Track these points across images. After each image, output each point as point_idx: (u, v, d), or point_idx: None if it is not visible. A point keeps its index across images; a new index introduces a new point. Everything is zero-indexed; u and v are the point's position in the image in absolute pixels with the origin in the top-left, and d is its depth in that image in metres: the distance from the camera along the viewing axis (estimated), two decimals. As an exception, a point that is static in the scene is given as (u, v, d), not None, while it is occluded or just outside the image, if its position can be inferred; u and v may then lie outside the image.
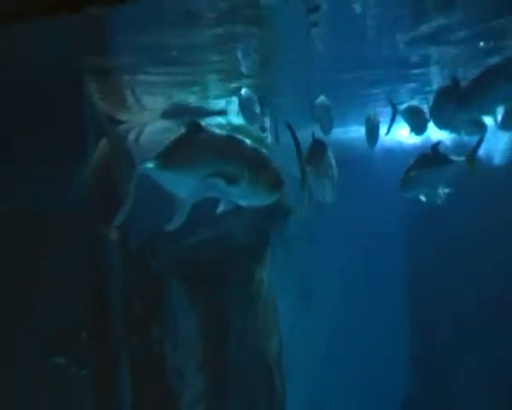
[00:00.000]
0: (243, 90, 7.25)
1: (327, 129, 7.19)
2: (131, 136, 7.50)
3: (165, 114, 8.03)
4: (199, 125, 4.07)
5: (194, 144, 4.04)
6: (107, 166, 7.41)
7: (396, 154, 14.17)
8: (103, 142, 7.71)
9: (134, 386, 6.92)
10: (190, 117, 8.13)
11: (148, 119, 7.80)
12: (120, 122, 7.82)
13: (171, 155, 4.09)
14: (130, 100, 7.77)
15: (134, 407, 6.82)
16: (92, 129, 7.17)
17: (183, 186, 4.25)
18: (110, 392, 6.94)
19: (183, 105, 8.20)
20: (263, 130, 10.90)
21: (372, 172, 13.29)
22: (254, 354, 6.49)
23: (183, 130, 4.15)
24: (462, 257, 12.49)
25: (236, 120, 8.75)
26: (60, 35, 4.80)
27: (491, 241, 12.26)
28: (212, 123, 8.33)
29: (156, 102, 7.90)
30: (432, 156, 5.43)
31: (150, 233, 7.08)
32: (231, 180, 3.97)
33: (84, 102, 6.96)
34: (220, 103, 8.54)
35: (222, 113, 8.61)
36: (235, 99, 8.75)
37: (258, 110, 7.33)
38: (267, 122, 11.23)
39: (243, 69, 7.39)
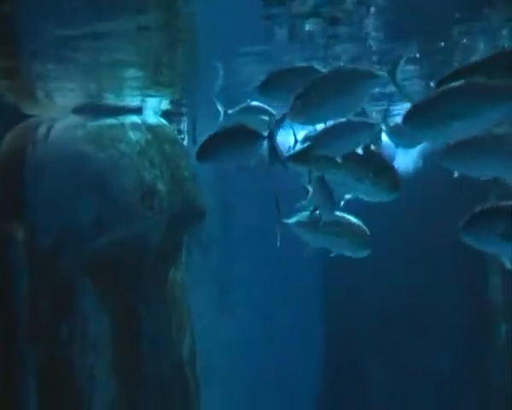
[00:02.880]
0: None
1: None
2: (41, 130, 7.11)
3: (78, 110, 7.69)
4: None
5: None
6: (13, 163, 7.03)
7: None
8: (9, 137, 7.30)
9: (41, 390, 6.55)
10: (103, 114, 7.83)
11: (60, 114, 7.42)
12: (29, 116, 7.41)
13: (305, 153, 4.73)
14: (41, 94, 7.37)
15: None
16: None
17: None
18: (15, 397, 6.54)
19: (97, 102, 7.88)
20: (179, 131, 10.67)
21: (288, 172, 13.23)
22: (167, 355, 6.24)
23: None
24: (378, 257, 12.57)
25: (152, 119, 8.50)
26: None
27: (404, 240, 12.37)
28: (128, 121, 8.07)
29: (68, 98, 7.53)
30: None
31: (59, 232, 6.72)
32: (359, 178, 4.72)
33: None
34: (135, 101, 8.25)
35: (137, 111, 8.33)
36: (151, 97, 8.52)
37: None
38: (184, 124, 11.01)
39: (160, 66, 7.12)
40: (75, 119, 7.43)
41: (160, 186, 7.04)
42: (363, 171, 4.71)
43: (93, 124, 7.40)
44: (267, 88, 4.79)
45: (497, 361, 10.64)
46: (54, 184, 6.95)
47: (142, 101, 8.28)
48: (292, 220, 5.70)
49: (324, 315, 13.74)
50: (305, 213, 5.57)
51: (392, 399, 12.83)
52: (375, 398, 13.18)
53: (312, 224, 5.53)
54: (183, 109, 9.89)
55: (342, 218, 5.34)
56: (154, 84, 7.69)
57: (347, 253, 5.56)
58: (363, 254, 5.45)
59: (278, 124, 4.77)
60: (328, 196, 5.22)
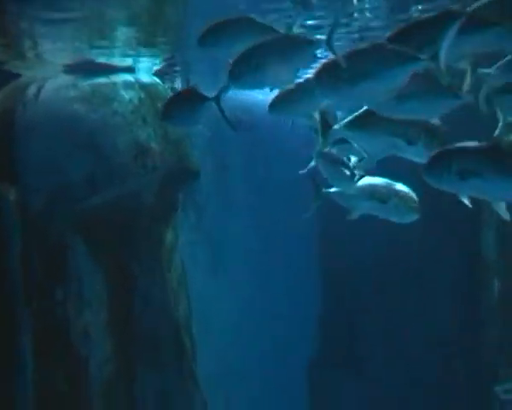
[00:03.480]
0: None
1: None
2: (31, 90, 6.95)
3: (69, 70, 7.52)
4: None
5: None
6: (3, 123, 6.88)
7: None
8: (-1, 95, 7.15)
9: (37, 350, 6.50)
10: (95, 73, 7.67)
11: (50, 73, 7.24)
12: (18, 75, 7.24)
13: (361, 119, 4.91)
14: (31, 53, 7.18)
15: (38, 373, 6.40)
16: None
17: (370, 144, 5.10)
18: (11, 357, 6.49)
19: (88, 60, 7.71)
20: (173, 90, 10.49)
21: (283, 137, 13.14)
22: (162, 316, 6.19)
23: None
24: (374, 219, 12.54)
25: (146, 77, 8.33)
26: None
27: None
28: (120, 80, 7.91)
29: (59, 57, 7.34)
30: None
31: (51, 193, 6.61)
32: (410, 141, 4.83)
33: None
34: (127, 60, 8.06)
35: (130, 70, 8.16)
36: (144, 56, 8.34)
37: None
38: (177, 82, 10.82)
39: (151, 23, 6.92)
40: (66, 78, 7.27)
41: (154, 145, 6.92)
42: (414, 132, 4.79)
43: (84, 83, 7.26)
44: (207, 41, 4.69)
45: (490, 316, 10.68)
46: (45, 145, 6.83)
47: (135, 60, 8.11)
48: (333, 190, 5.81)
49: (320, 272, 13.72)
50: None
51: (387, 355, 12.88)
52: (371, 354, 13.23)
53: (355, 191, 5.66)
54: (177, 68, 9.71)
55: (387, 183, 5.48)
56: (146, 42, 7.51)
57: (394, 218, 5.74)
58: (411, 218, 5.62)
59: (224, 88, 4.71)
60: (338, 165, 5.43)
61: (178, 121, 5.19)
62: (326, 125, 5.06)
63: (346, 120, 5.06)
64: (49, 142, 6.83)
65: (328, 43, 4.15)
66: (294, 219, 13.65)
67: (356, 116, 5.02)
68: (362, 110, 4.98)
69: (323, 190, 5.86)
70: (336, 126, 5.04)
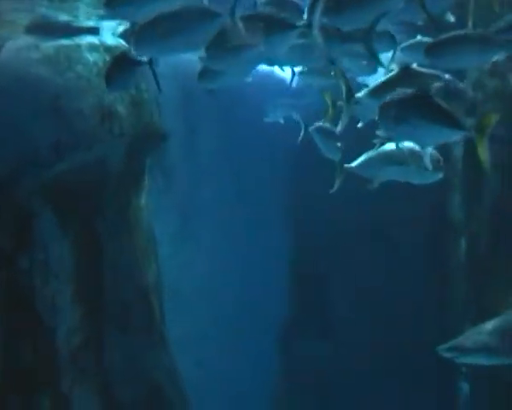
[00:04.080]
0: None
1: None
2: (-11, 51, 6.64)
3: (30, 30, 7.21)
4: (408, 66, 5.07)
5: (404, 78, 4.96)
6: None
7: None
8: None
9: (3, 320, 6.30)
10: (57, 34, 7.37)
11: (10, 33, 6.92)
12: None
13: (381, 89, 5.03)
14: (-11, 12, 6.85)
15: (3, 344, 6.21)
16: None
17: None
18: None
19: (51, 21, 7.39)
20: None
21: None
22: (131, 281, 6.04)
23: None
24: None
25: (111, 40, 8.04)
26: None
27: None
28: (84, 42, 7.61)
29: (19, 17, 7.02)
30: None
31: (15, 159, 6.36)
32: None
33: None
34: (91, 21, 7.75)
35: (93, 31, 7.87)
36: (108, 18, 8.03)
37: None
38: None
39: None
40: (27, 39, 6.96)
41: (120, 109, 6.69)
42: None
43: (47, 45, 6.96)
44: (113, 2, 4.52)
45: (458, 274, 10.77)
46: (8, 110, 6.55)
47: (99, 21, 7.81)
48: (354, 164, 5.89)
49: (291, 235, 13.67)
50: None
51: (358, 317, 12.94)
52: (342, 316, 13.28)
53: (376, 160, 5.68)
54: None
55: (407, 146, 5.35)
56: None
57: (418, 181, 5.79)
58: (435, 178, 5.60)
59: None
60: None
61: (118, 87, 5.24)
62: (350, 93, 5.01)
63: (368, 88, 5.10)
64: (11, 106, 6.56)
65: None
66: (264, 182, 13.56)
67: (378, 83, 5.09)
68: (385, 77, 5.07)
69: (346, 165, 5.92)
70: (360, 94, 5.06)
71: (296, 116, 11.19)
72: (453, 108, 4.63)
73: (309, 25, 4.24)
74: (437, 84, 4.91)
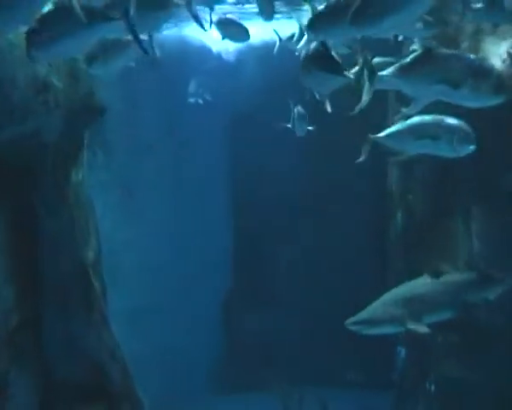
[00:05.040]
0: None
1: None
2: None
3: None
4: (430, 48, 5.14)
5: (428, 59, 5.08)
6: None
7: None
8: None
9: None
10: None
11: None
12: None
13: (410, 67, 5.13)
14: None
15: None
16: None
17: (417, 91, 5.23)
18: None
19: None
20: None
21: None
22: (70, 258, 5.73)
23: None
24: (284, 147, 12.37)
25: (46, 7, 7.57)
26: None
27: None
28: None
29: None
30: None
31: None
32: (456, 86, 4.90)
33: None
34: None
35: None
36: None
37: None
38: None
39: None
40: None
41: (56, 81, 6.30)
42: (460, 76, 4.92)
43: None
44: None
45: (395, 246, 10.84)
46: None
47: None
48: (382, 134, 5.81)
49: (232, 206, 13.50)
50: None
51: (300, 285, 12.92)
52: (283, 285, 13.23)
53: (406, 132, 5.57)
54: None
55: (437, 119, 5.41)
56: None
57: (449, 154, 5.62)
58: (467, 151, 5.46)
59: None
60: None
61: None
62: (372, 72, 4.94)
63: (392, 68, 5.10)
64: None
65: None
66: (205, 155, 13.30)
67: (402, 63, 5.16)
68: (409, 57, 5.10)
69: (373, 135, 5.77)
70: (383, 73, 5.07)
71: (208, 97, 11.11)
72: (481, 87, 4.87)
73: None
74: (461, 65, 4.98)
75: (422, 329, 6.56)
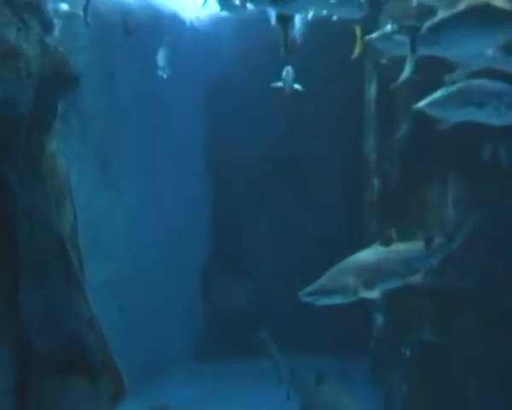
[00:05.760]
0: None
1: None
2: None
3: None
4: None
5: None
6: None
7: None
8: None
9: None
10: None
11: None
12: None
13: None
14: None
15: None
16: None
17: None
18: None
19: None
20: None
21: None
22: (45, 230, 5.56)
23: None
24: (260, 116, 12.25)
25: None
26: None
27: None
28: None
29: None
30: None
31: None
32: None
33: None
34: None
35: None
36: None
37: None
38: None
39: None
40: None
41: (26, 48, 6.05)
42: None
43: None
44: None
45: (371, 211, 10.88)
46: None
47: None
48: (425, 102, 5.62)
49: (209, 175, 13.39)
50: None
51: (276, 253, 12.92)
52: (261, 254, 13.21)
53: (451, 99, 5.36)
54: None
55: (483, 84, 5.14)
56: None
57: (496, 121, 5.44)
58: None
59: None
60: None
61: None
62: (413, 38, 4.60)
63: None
64: None
65: None
66: (183, 125, 13.10)
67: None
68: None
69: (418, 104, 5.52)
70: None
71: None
72: None
73: None
74: None
75: (373, 295, 6.62)
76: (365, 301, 10.29)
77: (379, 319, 10.44)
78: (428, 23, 4.72)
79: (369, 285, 6.66)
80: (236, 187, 12.83)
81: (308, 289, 6.84)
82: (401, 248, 7.24)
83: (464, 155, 8.75)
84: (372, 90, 10.65)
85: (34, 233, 5.71)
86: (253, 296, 12.74)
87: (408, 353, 9.36)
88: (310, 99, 11.22)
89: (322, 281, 6.83)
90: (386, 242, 7.15)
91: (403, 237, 7.34)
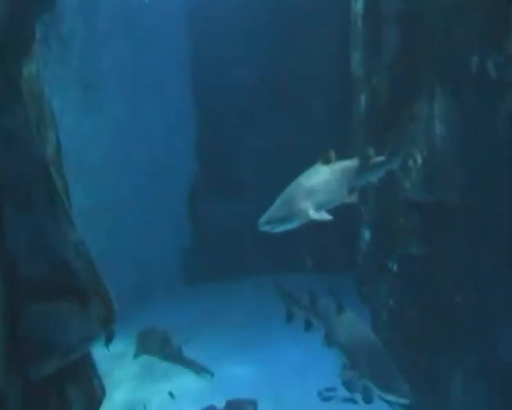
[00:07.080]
0: None
1: None
2: None
3: None
4: None
5: None
6: None
7: None
8: None
9: None
10: None
11: None
12: None
13: None
14: None
15: None
16: None
17: None
18: None
19: None
20: None
21: None
22: (27, 155, 5.38)
23: None
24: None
25: None
26: None
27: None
28: None
29: None
30: None
31: None
32: None
33: None
34: None
35: None
36: None
37: None
38: None
39: None
40: None
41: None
42: None
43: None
44: None
45: (359, 128, 10.78)
46: None
47: None
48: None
49: (195, 98, 13.15)
50: None
51: (265, 177, 12.82)
52: (249, 175, 13.10)
53: None
54: None
55: None
56: None
57: None
58: None
59: None
60: None
61: None
62: None
63: None
64: None
65: None
66: (166, 41, 12.72)
67: None
68: None
69: None
70: None
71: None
72: None
73: None
74: None
75: (325, 217, 6.56)
76: (353, 216, 10.30)
77: (366, 234, 10.47)
78: None
79: (318, 207, 6.62)
80: (223, 104, 12.59)
81: (265, 217, 6.75)
82: (341, 166, 7.22)
83: (453, 68, 8.56)
84: (359, 5, 10.32)
85: (16, 158, 5.52)
86: (241, 216, 12.69)
87: (395, 267, 9.43)
88: (299, 21, 10.92)
89: (276, 208, 6.74)
90: (326, 161, 7.13)
91: (343, 157, 7.33)
